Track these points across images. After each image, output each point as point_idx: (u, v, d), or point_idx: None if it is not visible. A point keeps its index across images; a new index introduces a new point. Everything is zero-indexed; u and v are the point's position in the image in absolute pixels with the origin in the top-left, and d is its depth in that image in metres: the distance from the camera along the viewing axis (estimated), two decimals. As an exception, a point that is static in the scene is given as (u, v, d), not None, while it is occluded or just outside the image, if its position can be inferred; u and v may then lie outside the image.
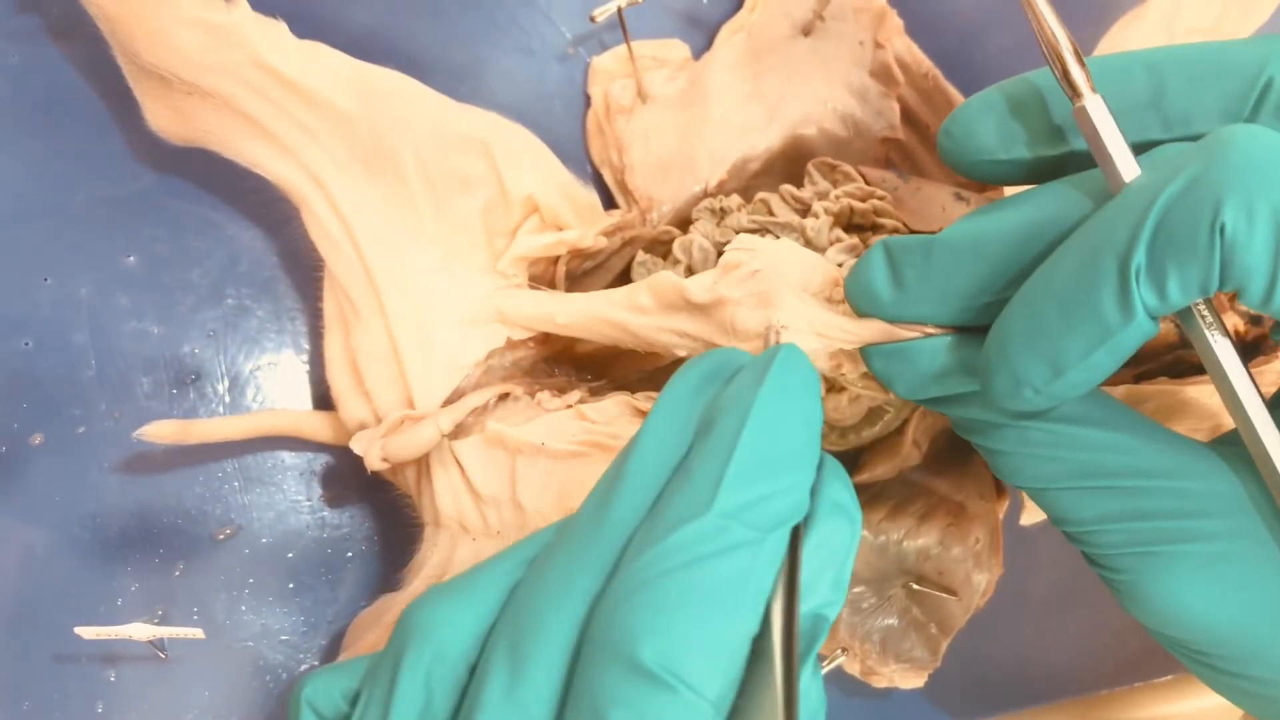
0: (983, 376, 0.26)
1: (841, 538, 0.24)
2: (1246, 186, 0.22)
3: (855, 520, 0.24)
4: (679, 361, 0.36)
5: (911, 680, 0.38)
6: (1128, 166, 0.25)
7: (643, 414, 0.32)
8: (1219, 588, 0.26)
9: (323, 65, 0.32)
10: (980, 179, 0.29)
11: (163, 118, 0.33)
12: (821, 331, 0.29)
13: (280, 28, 0.32)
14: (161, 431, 0.33)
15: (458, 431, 0.32)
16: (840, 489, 0.24)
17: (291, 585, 0.37)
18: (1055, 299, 0.24)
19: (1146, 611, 0.27)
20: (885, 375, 0.28)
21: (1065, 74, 0.25)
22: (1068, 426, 0.27)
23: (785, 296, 0.29)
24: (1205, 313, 0.25)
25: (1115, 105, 0.25)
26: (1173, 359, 0.37)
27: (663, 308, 0.31)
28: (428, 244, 0.33)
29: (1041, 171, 0.28)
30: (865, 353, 0.29)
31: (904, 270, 0.27)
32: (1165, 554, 0.26)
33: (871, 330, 0.28)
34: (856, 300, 0.28)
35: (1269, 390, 0.28)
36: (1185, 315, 0.25)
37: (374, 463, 0.32)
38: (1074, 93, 0.25)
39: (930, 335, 0.28)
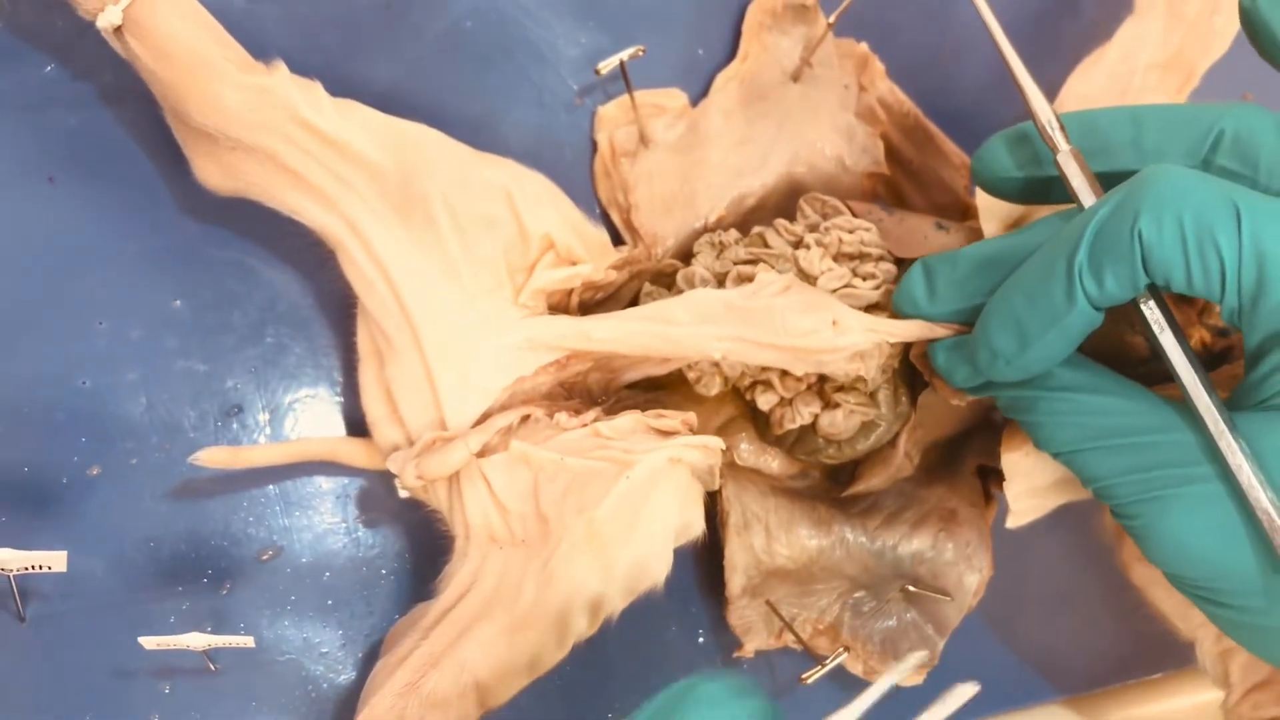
0: (973, 349, 0.33)
1: None
2: (1155, 204, 0.29)
3: None
4: (683, 378, 0.39)
5: (911, 679, 0.41)
6: (1088, 199, 0.33)
7: (655, 431, 0.35)
8: (1209, 523, 0.31)
9: (357, 120, 0.35)
10: (1001, 194, 0.36)
11: (210, 172, 0.36)
12: (871, 328, 0.35)
13: (317, 87, 0.35)
14: (214, 457, 0.36)
15: (484, 451, 0.35)
16: None
17: (330, 602, 0.39)
18: (1022, 290, 0.32)
19: (1159, 551, 0.32)
20: (947, 368, 0.36)
21: (1049, 137, 0.33)
22: (1085, 395, 0.33)
23: (832, 301, 0.36)
24: (1153, 306, 0.31)
25: (1105, 144, 0.34)
26: (1144, 371, 0.40)
27: (698, 318, 0.36)
28: (456, 281, 0.36)
29: (1043, 186, 0.35)
30: (932, 350, 0.36)
31: (936, 278, 0.35)
32: (1167, 497, 0.31)
33: (912, 327, 0.35)
34: (901, 304, 0.36)
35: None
36: (1138, 312, 0.32)
37: (409, 480, 0.35)
38: (1054, 148, 0.33)
39: (960, 332, 0.35)
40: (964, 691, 0.33)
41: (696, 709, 0.27)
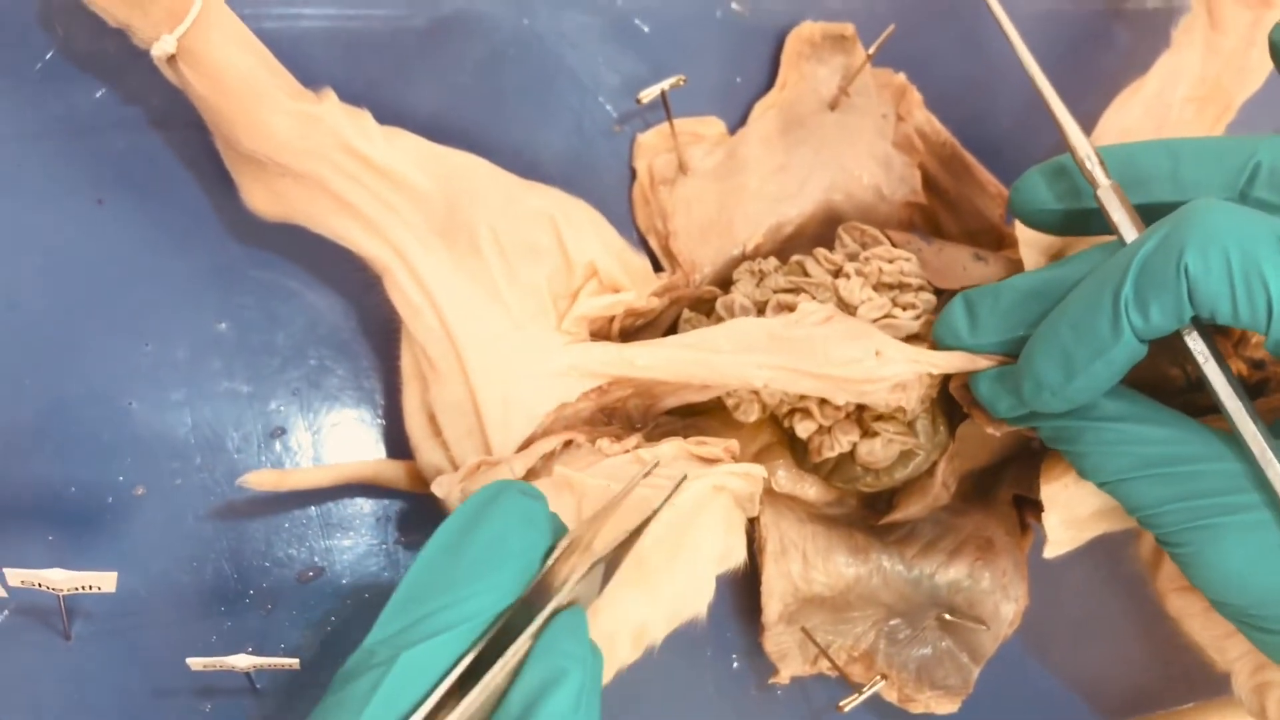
0: (1017, 380, 0.34)
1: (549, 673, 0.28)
2: (1201, 238, 0.29)
3: (580, 662, 0.28)
4: (721, 405, 0.39)
5: (946, 707, 0.41)
6: (1130, 233, 0.33)
7: (696, 458, 0.35)
8: (1258, 550, 0.31)
9: (404, 148, 0.36)
10: (1039, 226, 0.37)
11: (258, 197, 0.36)
12: (914, 359, 0.36)
13: (366, 115, 0.36)
14: (261, 479, 0.36)
15: (528, 475, 0.35)
16: (563, 636, 0.28)
17: (371, 623, 0.39)
18: (1068, 323, 0.32)
19: (1207, 579, 0.33)
20: (990, 399, 0.36)
21: (1088, 172, 0.34)
22: (1130, 425, 0.33)
23: (875, 331, 0.36)
24: (1197, 337, 0.32)
25: (1141, 176, 0.34)
26: (1181, 402, 0.40)
27: (741, 346, 0.36)
28: (501, 307, 0.36)
29: (1082, 218, 0.36)
30: (974, 381, 0.36)
31: (979, 309, 0.35)
32: (1215, 525, 0.32)
33: (955, 359, 0.36)
34: (942, 336, 0.36)
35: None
36: (1181, 344, 0.32)
37: (454, 505, 0.35)
38: (1094, 183, 0.34)
39: (1003, 363, 0.35)
40: None
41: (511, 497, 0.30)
